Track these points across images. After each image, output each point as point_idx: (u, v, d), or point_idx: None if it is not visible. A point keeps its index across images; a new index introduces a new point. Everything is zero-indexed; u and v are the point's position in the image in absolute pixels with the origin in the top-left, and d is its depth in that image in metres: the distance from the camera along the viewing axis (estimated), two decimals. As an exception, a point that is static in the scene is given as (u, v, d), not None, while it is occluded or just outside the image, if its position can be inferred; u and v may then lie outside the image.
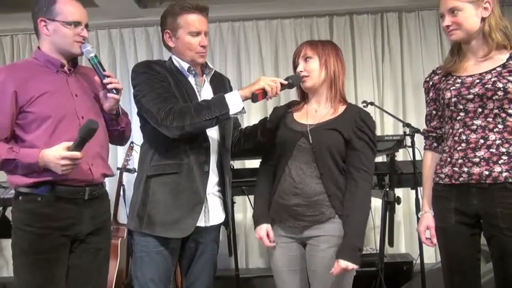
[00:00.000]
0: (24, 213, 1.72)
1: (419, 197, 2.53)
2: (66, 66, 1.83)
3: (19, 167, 1.68)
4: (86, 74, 1.92)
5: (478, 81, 1.66)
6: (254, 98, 1.73)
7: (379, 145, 2.29)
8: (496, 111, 1.63)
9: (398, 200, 2.87)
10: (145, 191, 1.83)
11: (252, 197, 2.11)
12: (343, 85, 1.88)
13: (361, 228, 1.73)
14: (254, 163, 2.54)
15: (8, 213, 2.85)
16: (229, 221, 2.02)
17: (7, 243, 3.21)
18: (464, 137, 1.68)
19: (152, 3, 4.27)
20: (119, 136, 2.00)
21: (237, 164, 3.46)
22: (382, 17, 4.32)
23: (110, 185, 3.49)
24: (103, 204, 1.91)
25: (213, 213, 1.90)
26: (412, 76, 4.27)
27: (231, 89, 2.05)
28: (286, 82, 1.80)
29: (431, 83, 1.84)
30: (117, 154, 4.10)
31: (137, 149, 2.77)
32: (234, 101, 1.73)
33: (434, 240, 1.78)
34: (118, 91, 1.82)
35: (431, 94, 1.84)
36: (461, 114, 1.69)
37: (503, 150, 1.62)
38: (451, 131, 1.74)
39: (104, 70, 1.82)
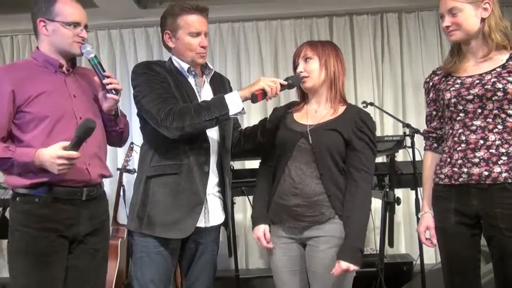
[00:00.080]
0: (21, 214, 1.72)
1: (419, 197, 2.53)
2: (65, 67, 1.83)
3: (15, 166, 1.67)
4: (85, 74, 1.92)
5: (477, 81, 1.66)
6: (254, 98, 1.73)
7: (379, 145, 2.29)
8: (495, 111, 1.63)
9: (398, 201, 2.87)
10: (145, 192, 1.83)
11: (252, 198, 2.11)
12: (343, 85, 1.88)
13: (362, 229, 1.74)
14: (254, 164, 2.54)
15: (8, 214, 2.84)
16: (229, 222, 2.02)
17: (7, 243, 3.22)
18: (463, 138, 1.68)
19: (152, 4, 4.27)
20: (118, 137, 2.00)
21: (237, 165, 3.47)
22: (382, 17, 4.31)
23: (110, 185, 3.53)
24: (101, 204, 1.91)
25: (213, 214, 1.90)
26: (411, 76, 4.27)
27: (230, 90, 2.05)
28: (286, 83, 1.80)
29: (431, 83, 1.84)
30: (117, 155, 4.09)
31: (137, 150, 2.76)
32: (233, 102, 1.73)
33: (434, 241, 1.78)
34: (117, 92, 1.83)
35: (431, 95, 1.84)
36: (461, 114, 1.69)
37: (503, 150, 1.62)
38: (450, 131, 1.74)
39: (104, 71, 1.82)
